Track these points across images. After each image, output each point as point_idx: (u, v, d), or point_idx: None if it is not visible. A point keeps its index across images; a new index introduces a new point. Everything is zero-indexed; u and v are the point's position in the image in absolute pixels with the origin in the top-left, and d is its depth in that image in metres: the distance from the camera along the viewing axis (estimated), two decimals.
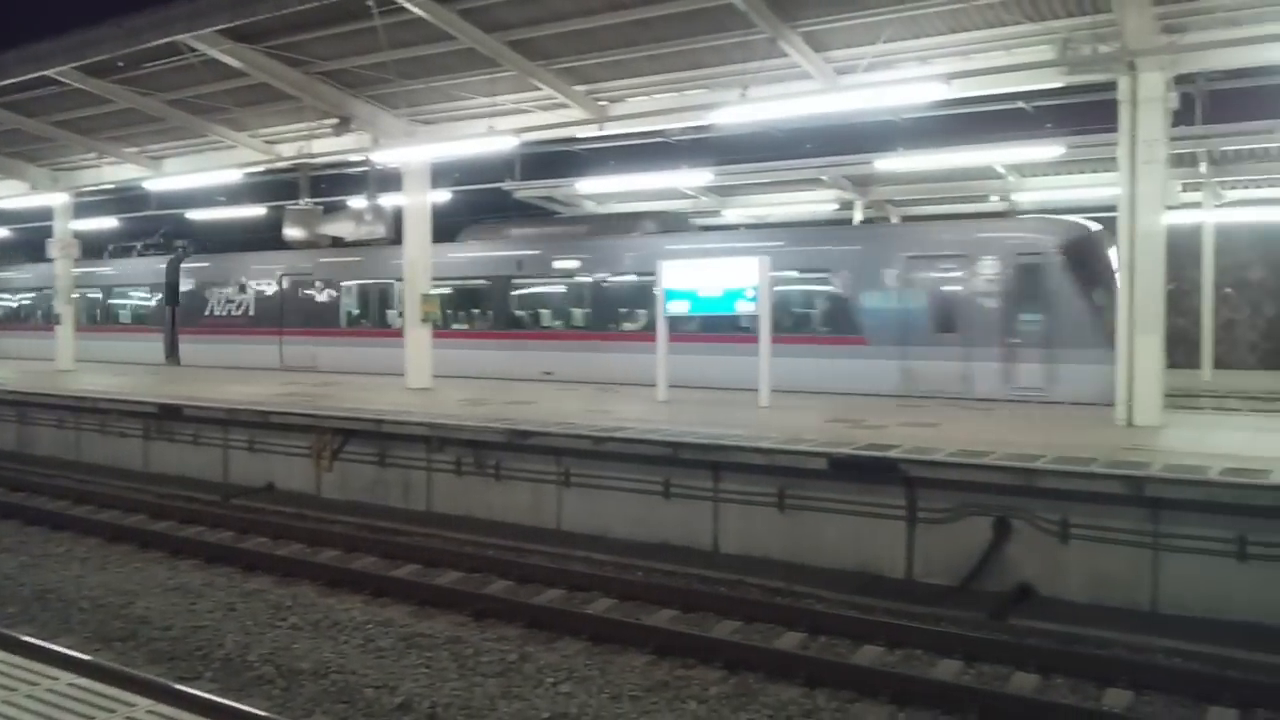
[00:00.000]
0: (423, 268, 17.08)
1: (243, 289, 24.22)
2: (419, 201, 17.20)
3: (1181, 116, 13.65)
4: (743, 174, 21.43)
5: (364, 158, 18.44)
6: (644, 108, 15.30)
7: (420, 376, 16.93)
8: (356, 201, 22.46)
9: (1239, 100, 15.88)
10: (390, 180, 18.98)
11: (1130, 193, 11.38)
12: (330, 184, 25.25)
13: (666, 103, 14.98)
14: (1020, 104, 16.63)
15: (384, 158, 17.65)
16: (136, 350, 25.63)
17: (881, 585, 9.16)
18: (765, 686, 7.04)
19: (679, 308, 14.21)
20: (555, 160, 22.55)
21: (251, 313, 24.01)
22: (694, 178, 21.06)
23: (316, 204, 22.70)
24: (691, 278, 14.07)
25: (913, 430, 11.02)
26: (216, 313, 24.66)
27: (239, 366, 22.73)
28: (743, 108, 13.42)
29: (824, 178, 21.63)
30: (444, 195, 21.69)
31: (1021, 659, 7.24)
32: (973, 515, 9.02)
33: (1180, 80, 12.31)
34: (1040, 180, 21.33)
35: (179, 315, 25.61)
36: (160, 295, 26.13)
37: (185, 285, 25.60)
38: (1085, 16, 11.55)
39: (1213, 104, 15.85)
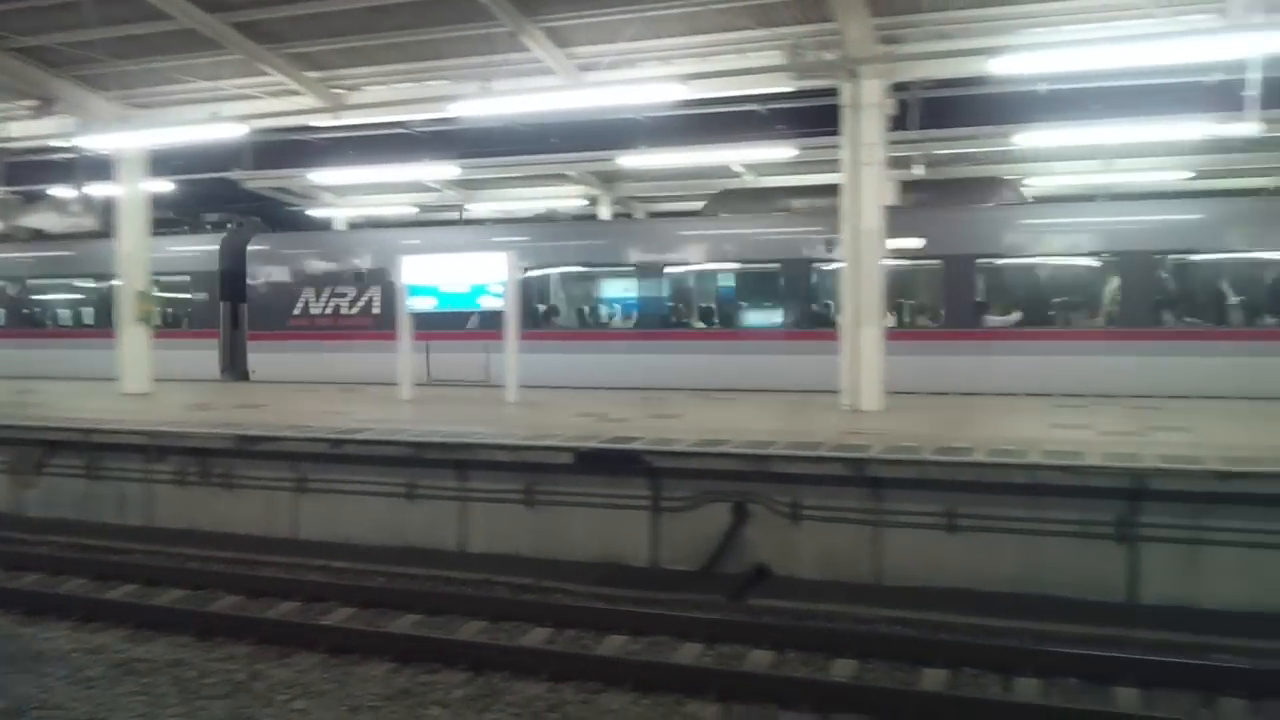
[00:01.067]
0: (140, 262, 15.80)
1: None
2: (134, 192, 15.89)
3: (899, 121, 14.69)
4: (489, 168, 21.18)
5: (70, 144, 16.83)
6: (383, 97, 14.83)
7: (138, 380, 15.66)
8: (62, 191, 20.46)
9: (951, 107, 17.20)
10: (104, 168, 17.43)
11: (852, 192, 12.10)
12: (33, 171, 22.78)
13: (406, 93, 14.58)
14: (755, 106, 17.33)
15: (93, 143, 16.16)
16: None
17: (628, 575, 9.27)
18: (511, 685, 6.92)
19: (423, 304, 13.85)
20: (290, 149, 21.43)
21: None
22: (439, 171, 20.63)
23: (13, 193, 20.46)
24: (434, 273, 13.74)
25: (658, 422, 11.24)
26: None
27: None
28: (484, 101, 13.25)
29: (571, 173, 21.77)
30: (166, 185, 20.12)
31: (757, 637, 7.50)
32: (712, 502, 9.29)
33: (898, 88, 13.22)
34: (779, 179, 22.24)
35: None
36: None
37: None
38: (811, 25, 12.18)
39: (927, 110, 17.11)
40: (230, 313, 19.09)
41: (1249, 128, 11.89)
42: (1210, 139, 16.20)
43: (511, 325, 13.45)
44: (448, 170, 20.60)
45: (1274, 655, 7.20)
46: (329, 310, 18.05)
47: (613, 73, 13.00)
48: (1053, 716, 6.25)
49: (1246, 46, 10.35)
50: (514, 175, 22.16)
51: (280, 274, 18.64)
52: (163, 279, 18.09)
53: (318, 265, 18.41)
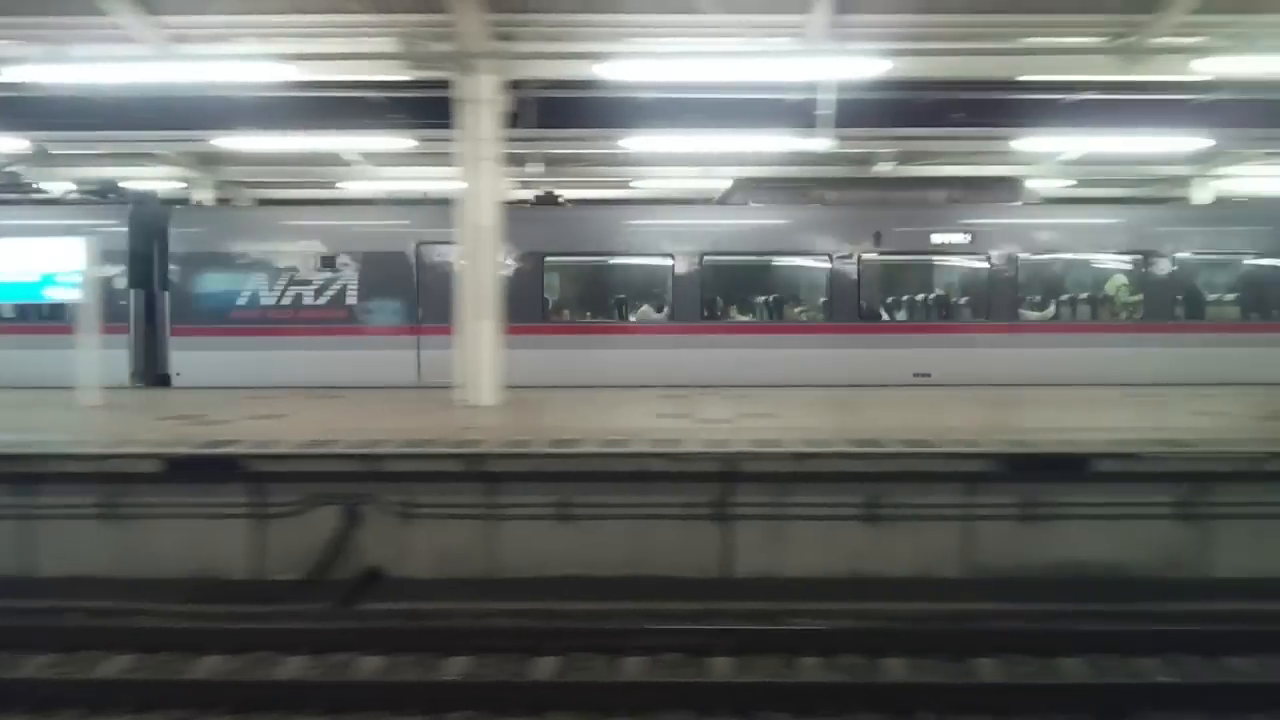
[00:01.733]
0: None
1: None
2: None
3: (516, 119, 14.83)
4: (64, 142, 18.81)
5: None
6: None
7: None
8: None
9: (565, 108, 17.64)
10: None
11: (467, 187, 12.04)
12: None
13: None
14: (372, 93, 16.80)
15: None
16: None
17: (227, 589, 8.60)
18: None
19: None
20: None
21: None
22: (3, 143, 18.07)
23: None
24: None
25: (260, 423, 10.54)
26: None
27: None
28: (56, 67, 11.75)
29: (163, 152, 19.90)
30: None
31: (367, 643, 7.22)
32: (321, 505, 8.85)
33: (514, 85, 13.32)
34: (397, 170, 21.79)
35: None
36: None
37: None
38: (425, 15, 11.93)
39: (544, 110, 17.41)
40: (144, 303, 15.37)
41: (822, 142, 13.24)
42: (794, 151, 17.88)
43: (88, 318, 11.92)
44: (17, 143, 18.14)
45: (844, 616, 8.05)
46: (287, 300, 15.07)
47: (210, 47, 12.01)
48: (649, 690, 6.54)
49: (820, 70, 11.52)
50: (97, 152, 19.86)
51: (222, 256, 15.26)
52: None
53: (272, 246, 15.33)
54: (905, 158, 19.77)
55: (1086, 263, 15.83)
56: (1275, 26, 11.26)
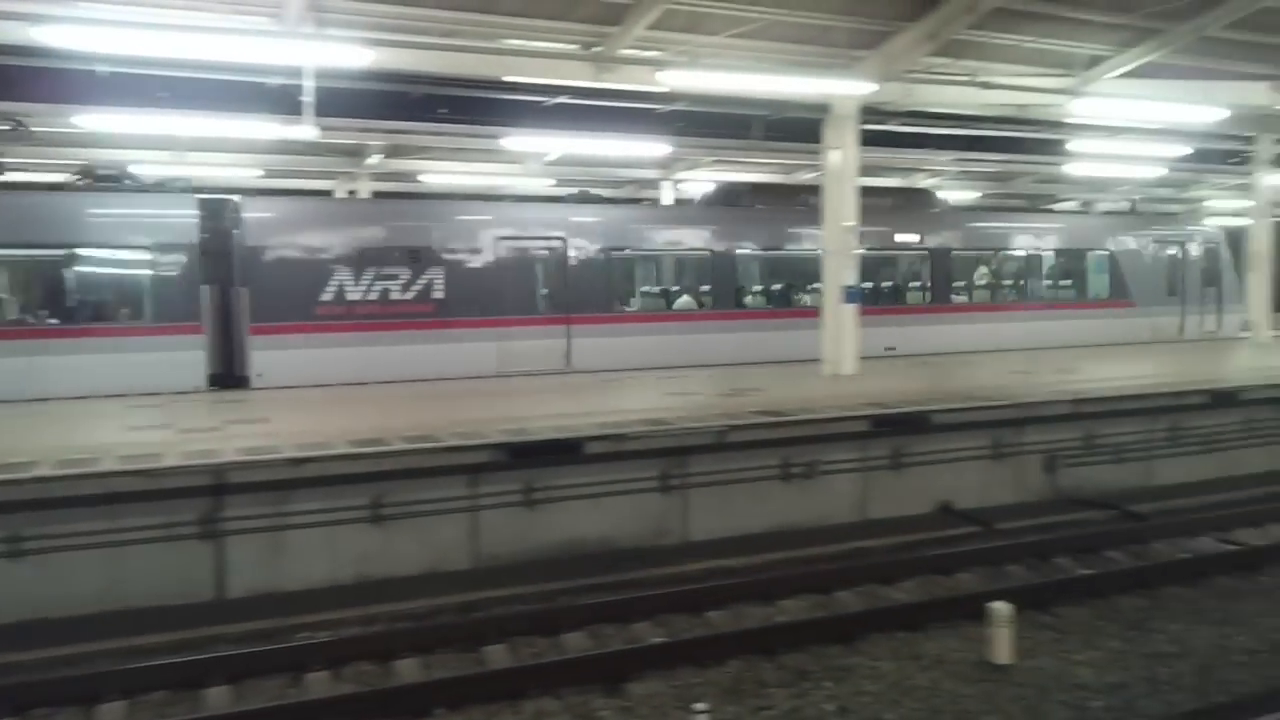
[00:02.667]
0: None
1: None
2: None
3: None
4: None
5: None
6: None
7: None
8: None
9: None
10: None
11: None
12: None
13: None
14: None
15: None
16: None
17: None
18: None
19: None
20: None
21: None
22: None
23: None
24: None
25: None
26: None
27: None
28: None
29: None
30: None
31: None
32: None
33: None
34: None
35: None
36: None
37: None
38: None
39: None
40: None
41: (307, 131, 12.59)
42: (280, 140, 16.88)
43: None
44: None
45: (352, 623, 7.72)
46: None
47: None
48: None
49: (300, 54, 10.89)
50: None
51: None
52: None
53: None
54: (393, 151, 19.60)
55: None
56: (718, 47, 12.71)
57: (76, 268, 13.15)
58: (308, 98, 12.00)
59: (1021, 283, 19.87)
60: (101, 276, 13.58)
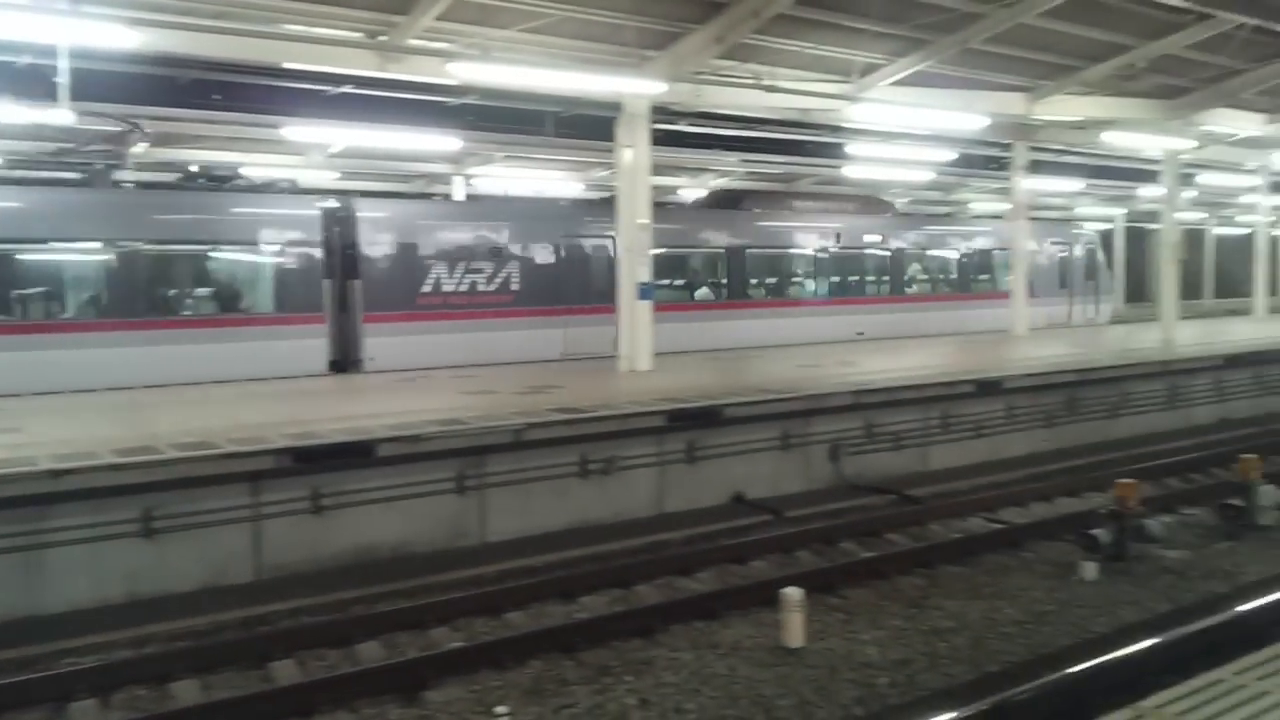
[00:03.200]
0: None
1: None
2: None
3: None
4: None
5: None
6: None
7: None
8: None
9: None
10: None
11: None
12: None
13: None
14: None
15: None
16: None
17: None
18: None
19: None
20: None
21: None
22: None
23: None
24: None
25: None
26: None
27: None
28: None
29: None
30: None
31: None
32: None
33: None
34: None
35: None
36: None
37: None
38: None
39: None
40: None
41: (63, 115, 11.58)
42: (35, 125, 15.45)
43: None
44: None
45: (123, 645, 7.14)
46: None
47: None
48: None
49: (54, 32, 9.99)
50: None
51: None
52: None
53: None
54: (162, 140, 18.33)
55: None
56: (509, 41, 12.55)
57: (219, 263, 14.86)
58: (62, 79, 11.03)
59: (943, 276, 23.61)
60: (242, 270, 15.07)
